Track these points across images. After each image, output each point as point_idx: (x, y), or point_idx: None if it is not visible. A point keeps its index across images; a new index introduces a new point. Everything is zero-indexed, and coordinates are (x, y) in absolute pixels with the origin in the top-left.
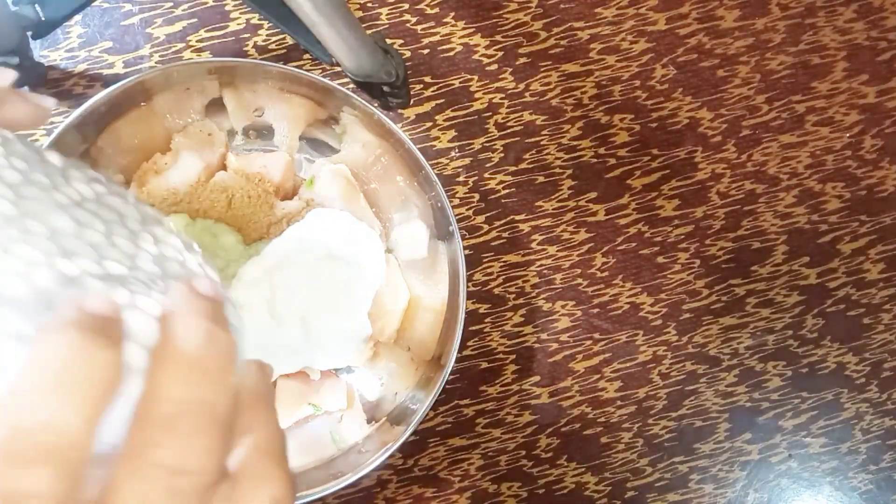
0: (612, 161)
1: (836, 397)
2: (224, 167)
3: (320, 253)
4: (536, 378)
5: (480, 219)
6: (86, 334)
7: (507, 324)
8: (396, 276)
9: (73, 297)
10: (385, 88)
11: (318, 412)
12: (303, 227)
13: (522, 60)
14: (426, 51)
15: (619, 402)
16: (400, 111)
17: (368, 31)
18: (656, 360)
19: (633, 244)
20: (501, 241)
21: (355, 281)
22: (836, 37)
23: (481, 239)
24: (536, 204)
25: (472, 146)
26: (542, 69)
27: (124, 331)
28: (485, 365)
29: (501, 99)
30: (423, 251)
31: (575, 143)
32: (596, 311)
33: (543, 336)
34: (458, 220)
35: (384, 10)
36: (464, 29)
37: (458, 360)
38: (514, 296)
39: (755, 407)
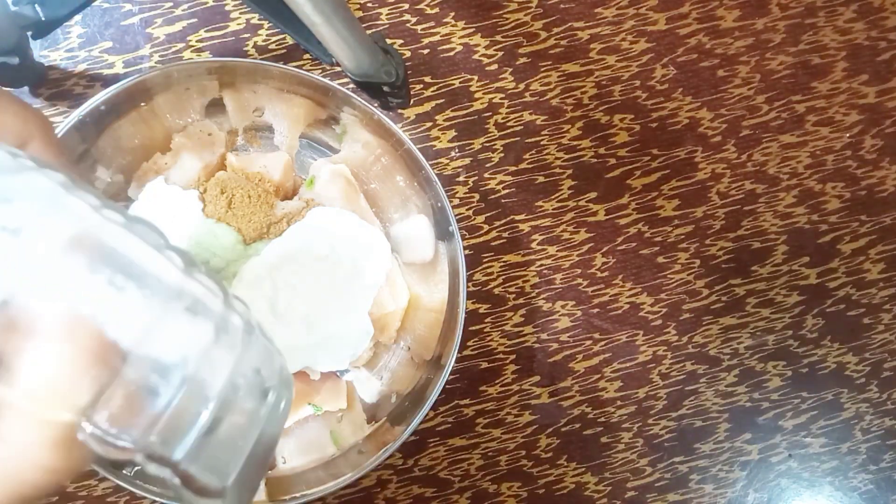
0: (612, 161)
1: (836, 397)
2: (224, 167)
3: (322, 252)
4: (536, 378)
5: (480, 219)
6: None
7: (507, 324)
8: (396, 276)
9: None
10: (385, 88)
11: (318, 412)
12: (305, 226)
13: (522, 60)
14: (426, 51)
15: (619, 402)
16: (400, 111)
17: (368, 31)
18: (656, 360)
19: (633, 244)
20: (501, 241)
21: (357, 280)
22: (836, 37)
23: (481, 239)
24: (536, 204)
25: (472, 146)
26: (542, 69)
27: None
28: (485, 365)
29: (501, 99)
30: (428, 254)
31: (575, 143)
32: (596, 311)
33: (543, 336)
34: (458, 220)
35: (384, 10)
36: (464, 29)
37: (458, 360)
38: (514, 296)
39: (755, 407)
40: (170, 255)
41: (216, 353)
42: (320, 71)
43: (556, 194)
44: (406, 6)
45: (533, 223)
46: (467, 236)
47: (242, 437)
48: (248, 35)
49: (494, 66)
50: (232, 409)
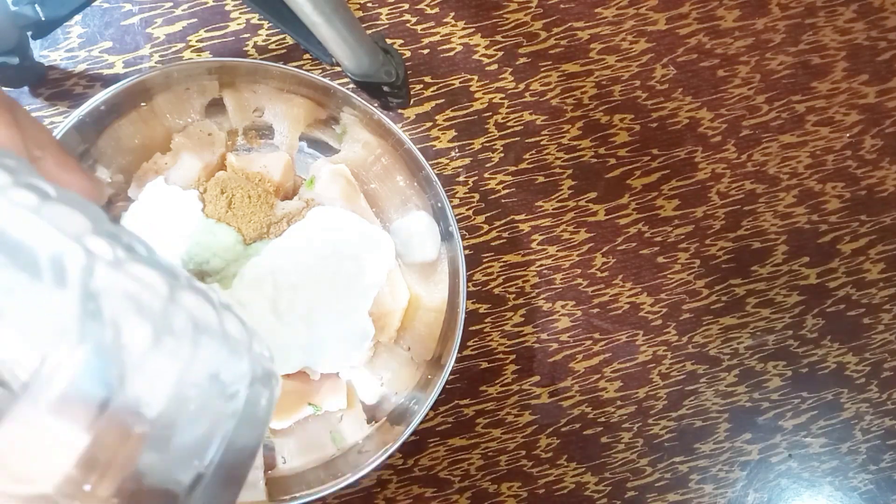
0: (612, 161)
1: (836, 397)
2: (224, 167)
3: (323, 252)
4: (536, 378)
5: (480, 219)
6: None
7: (507, 324)
8: (397, 276)
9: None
10: (385, 88)
11: (318, 412)
12: (305, 226)
13: (522, 60)
14: (426, 51)
15: (619, 402)
16: (400, 111)
17: (368, 31)
18: (656, 360)
19: (633, 244)
20: (501, 241)
21: (357, 280)
22: (836, 37)
23: (481, 239)
24: (536, 204)
25: (472, 146)
26: (542, 69)
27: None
28: (485, 365)
29: (501, 99)
30: (432, 253)
31: (575, 143)
32: (596, 311)
33: (543, 336)
34: (458, 220)
35: (384, 10)
36: (464, 29)
37: (458, 360)
38: (514, 296)
39: (755, 407)
40: (95, 245)
41: (154, 363)
42: (320, 71)
43: (556, 194)
44: (406, 6)
45: (533, 223)
46: (467, 236)
47: (200, 448)
48: (248, 35)
49: (494, 66)
50: (182, 425)
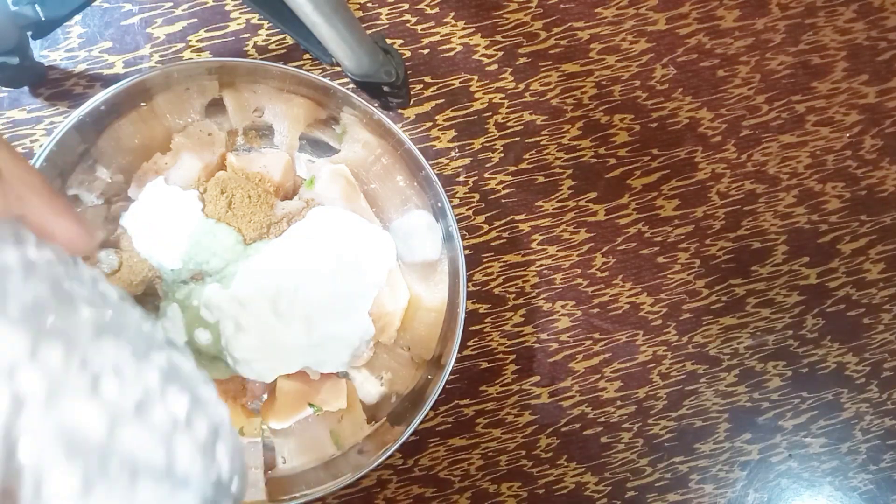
0: (612, 161)
1: (836, 397)
2: (224, 167)
3: (324, 252)
4: (536, 378)
5: (480, 219)
6: None
7: (507, 324)
8: (396, 276)
9: None
10: (385, 88)
11: (318, 412)
12: (306, 226)
13: (522, 60)
14: (426, 51)
15: (619, 402)
16: (400, 111)
17: (368, 31)
18: (656, 360)
19: (633, 244)
20: (501, 241)
21: (358, 280)
22: (836, 37)
23: (481, 239)
24: (536, 204)
25: (472, 146)
26: (542, 69)
27: None
28: (485, 365)
29: (501, 99)
30: (433, 253)
31: (575, 143)
32: (596, 311)
33: (543, 336)
34: (458, 220)
35: (384, 10)
36: (464, 29)
37: (458, 360)
38: (514, 296)
39: (755, 407)
40: (27, 379)
41: None
42: (320, 71)
43: (556, 194)
44: (406, 6)
45: (533, 223)
46: (467, 236)
47: None
48: (248, 35)
49: (494, 66)
50: None
